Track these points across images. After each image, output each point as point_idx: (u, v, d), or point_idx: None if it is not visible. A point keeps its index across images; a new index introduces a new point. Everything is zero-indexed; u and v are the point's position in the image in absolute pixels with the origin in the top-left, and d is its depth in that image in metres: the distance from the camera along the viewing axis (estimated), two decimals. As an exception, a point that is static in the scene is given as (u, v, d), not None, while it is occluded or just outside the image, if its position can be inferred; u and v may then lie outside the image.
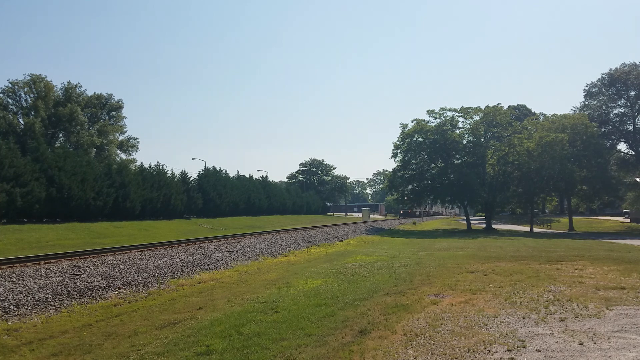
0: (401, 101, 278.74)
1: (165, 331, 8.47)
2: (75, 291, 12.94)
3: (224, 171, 58.21)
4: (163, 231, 33.75)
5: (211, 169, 56.79)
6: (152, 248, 21.39)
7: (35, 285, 12.69)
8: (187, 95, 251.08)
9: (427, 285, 12.01)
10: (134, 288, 14.21)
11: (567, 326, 7.72)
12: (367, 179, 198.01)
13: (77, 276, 14.27)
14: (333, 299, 10.36)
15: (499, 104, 53.75)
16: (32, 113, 55.01)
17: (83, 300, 12.49)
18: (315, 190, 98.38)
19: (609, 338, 7.02)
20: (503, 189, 51.90)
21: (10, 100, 56.57)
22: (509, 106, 66.56)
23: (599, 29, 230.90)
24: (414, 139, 52.00)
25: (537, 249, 22.86)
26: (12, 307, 11.08)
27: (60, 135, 57.42)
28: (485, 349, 6.60)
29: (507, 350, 6.52)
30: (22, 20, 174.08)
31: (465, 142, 52.98)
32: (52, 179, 31.87)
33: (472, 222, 55.79)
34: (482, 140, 51.77)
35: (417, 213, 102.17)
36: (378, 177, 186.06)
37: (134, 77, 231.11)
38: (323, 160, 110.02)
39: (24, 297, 11.76)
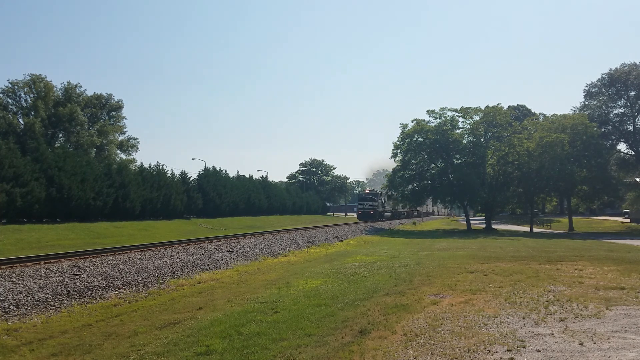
0: (401, 101, 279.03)
1: (165, 331, 8.47)
2: (75, 291, 12.94)
3: (224, 171, 58.20)
4: (163, 231, 33.73)
5: (211, 169, 56.78)
6: (152, 248, 21.38)
7: (35, 286, 12.68)
8: (187, 95, 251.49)
9: (427, 285, 12.01)
10: (133, 288, 14.21)
11: (567, 326, 7.72)
12: (367, 179, 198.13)
13: (77, 276, 14.26)
14: (333, 299, 10.36)
15: (499, 104, 53.77)
16: (32, 113, 54.95)
17: (83, 300, 12.49)
18: (315, 191, 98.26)
19: (608, 338, 7.02)
20: (503, 189, 51.88)
21: (10, 100, 56.50)
22: (509, 106, 66.53)
23: (599, 29, 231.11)
24: (414, 139, 51.96)
25: (537, 249, 22.86)
26: (12, 307, 11.07)
27: (60, 135, 57.37)
28: (485, 349, 6.60)
29: (507, 350, 6.53)
30: (22, 20, 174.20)
31: (465, 142, 52.95)
32: (52, 179, 31.84)
33: (471, 222, 55.78)
34: (482, 140, 51.75)
35: (387, 214, 72.14)
36: (378, 177, 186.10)
37: (134, 77, 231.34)
38: (323, 161, 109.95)
39: (23, 297, 11.76)
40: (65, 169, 32.99)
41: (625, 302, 9.59)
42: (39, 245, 22.57)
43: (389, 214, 73.24)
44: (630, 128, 57.59)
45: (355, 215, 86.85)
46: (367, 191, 71.52)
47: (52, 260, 16.43)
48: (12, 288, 12.19)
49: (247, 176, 66.34)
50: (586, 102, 60.28)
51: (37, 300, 11.73)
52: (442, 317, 8.49)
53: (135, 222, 36.05)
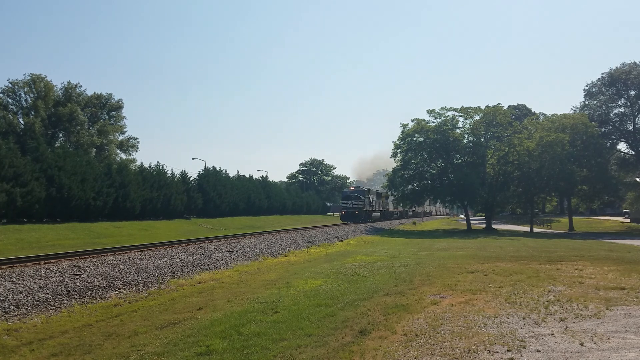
0: (401, 101, 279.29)
1: (165, 331, 8.47)
2: (75, 291, 12.93)
3: (224, 171, 58.24)
4: (163, 231, 33.73)
5: (211, 169, 56.80)
6: (152, 248, 21.38)
7: (35, 286, 12.68)
8: (187, 95, 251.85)
9: (427, 285, 12.01)
10: (134, 288, 14.21)
11: (567, 326, 7.72)
12: (366, 179, 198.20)
13: (77, 276, 14.26)
14: (333, 299, 10.36)
15: (499, 103, 53.75)
16: (32, 113, 54.94)
17: (83, 300, 12.48)
18: (315, 190, 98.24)
19: (609, 338, 7.02)
20: (503, 189, 51.86)
21: (10, 100, 56.46)
22: (509, 106, 66.52)
23: (599, 29, 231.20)
24: (414, 139, 51.93)
25: (537, 249, 22.86)
26: (12, 307, 11.07)
27: (60, 135, 57.37)
28: (485, 349, 6.60)
29: (507, 350, 6.52)
30: (22, 20, 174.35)
31: (465, 141, 52.94)
32: (52, 179, 31.85)
33: (471, 222, 55.77)
34: (482, 140, 51.73)
35: (375, 214, 63.15)
36: (378, 176, 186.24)
37: (134, 77, 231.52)
38: (323, 160, 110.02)
39: (24, 297, 11.75)
40: (65, 169, 33.00)
41: (625, 302, 9.59)
42: (39, 245, 22.57)
43: (378, 214, 65.04)
44: (631, 128, 57.54)
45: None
46: (351, 188, 62.74)
47: (52, 260, 16.43)
48: (12, 288, 12.19)
49: (247, 176, 66.43)
50: (586, 102, 60.24)
51: (37, 301, 11.72)
52: (443, 317, 8.49)
53: (136, 222, 36.06)
